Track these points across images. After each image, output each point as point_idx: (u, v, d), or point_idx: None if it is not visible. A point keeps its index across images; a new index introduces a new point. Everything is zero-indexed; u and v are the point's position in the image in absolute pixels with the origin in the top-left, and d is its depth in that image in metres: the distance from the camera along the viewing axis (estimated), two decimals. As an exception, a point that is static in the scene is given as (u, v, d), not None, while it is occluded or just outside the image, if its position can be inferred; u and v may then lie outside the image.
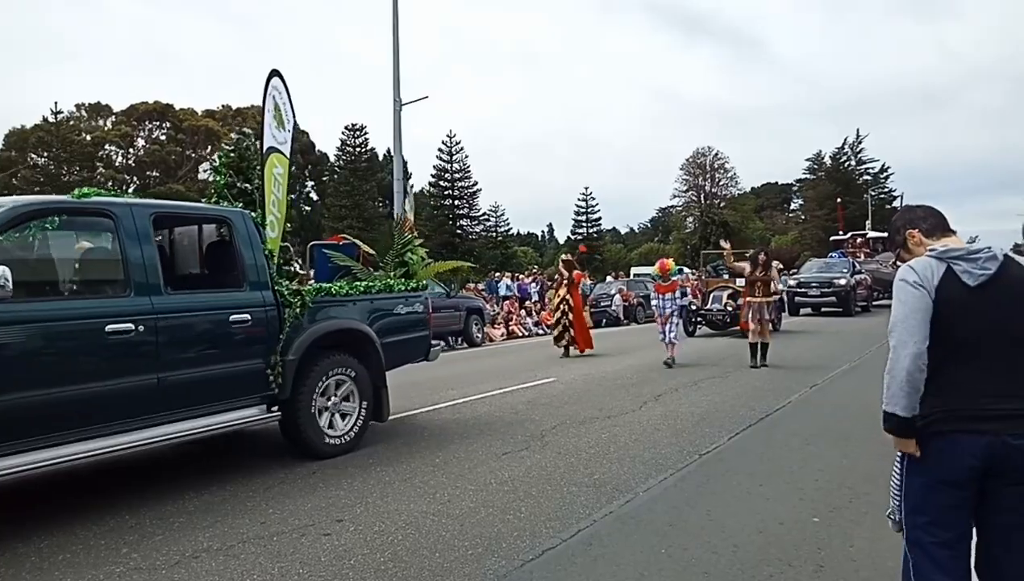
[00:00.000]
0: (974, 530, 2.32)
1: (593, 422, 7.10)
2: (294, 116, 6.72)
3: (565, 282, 13.71)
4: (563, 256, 14.89)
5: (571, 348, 13.33)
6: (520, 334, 20.05)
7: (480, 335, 17.83)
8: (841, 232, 37.51)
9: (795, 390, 8.66)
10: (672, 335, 11.39)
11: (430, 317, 7.37)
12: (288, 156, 6.61)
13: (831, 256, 27.60)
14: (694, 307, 16.88)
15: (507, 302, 22.05)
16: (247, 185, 6.22)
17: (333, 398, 5.98)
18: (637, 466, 5.46)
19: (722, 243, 12.98)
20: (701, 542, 3.90)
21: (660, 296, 11.79)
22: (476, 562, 3.70)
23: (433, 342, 7.46)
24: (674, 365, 11.06)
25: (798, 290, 22.58)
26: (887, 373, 2.30)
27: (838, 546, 3.84)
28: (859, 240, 32.74)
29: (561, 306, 13.58)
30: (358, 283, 6.53)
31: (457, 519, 4.36)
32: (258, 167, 6.21)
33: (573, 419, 7.25)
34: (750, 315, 10.94)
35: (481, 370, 11.68)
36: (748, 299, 11.09)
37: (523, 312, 21.85)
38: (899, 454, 2.43)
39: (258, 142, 6.30)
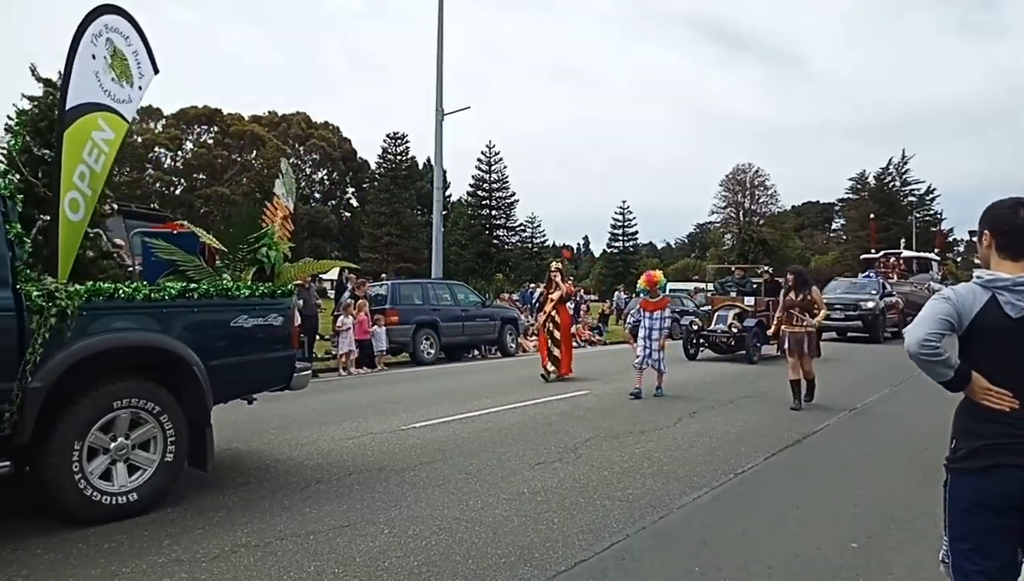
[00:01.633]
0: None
1: (627, 436, 7.07)
2: (155, 69, 5.38)
3: (553, 295, 11.89)
4: (555, 264, 12.84)
5: (551, 372, 11.59)
6: (554, 346, 19.99)
7: (514, 345, 17.86)
8: (874, 250, 34.39)
9: (834, 413, 8.51)
10: (660, 362, 9.77)
11: (295, 331, 5.79)
12: (128, 120, 5.34)
13: (865, 276, 25.33)
14: (696, 327, 15.46)
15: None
16: (46, 151, 4.81)
17: (118, 440, 4.48)
18: (671, 483, 5.43)
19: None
20: (735, 563, 3.87)
21: (647, 314, 9.95)
22: (509, 571, 3.72)
23: (300, 364, 5.82)
24: (663, 395, 9.60)
25: None
26: None
27: (876, 573, 3.77)
28: (892, 259, 29.72)
29: (547, 324, 11.82)
30: (170, 285, 4.83)
31: (490, 527, 4.38)
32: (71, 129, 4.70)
33: (607, 433, 7.23)
34: (787, 348, 9.12)
35: (515, 380, 11.70)
36: (785, 329, 9.22)
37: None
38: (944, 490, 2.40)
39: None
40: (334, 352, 14.30)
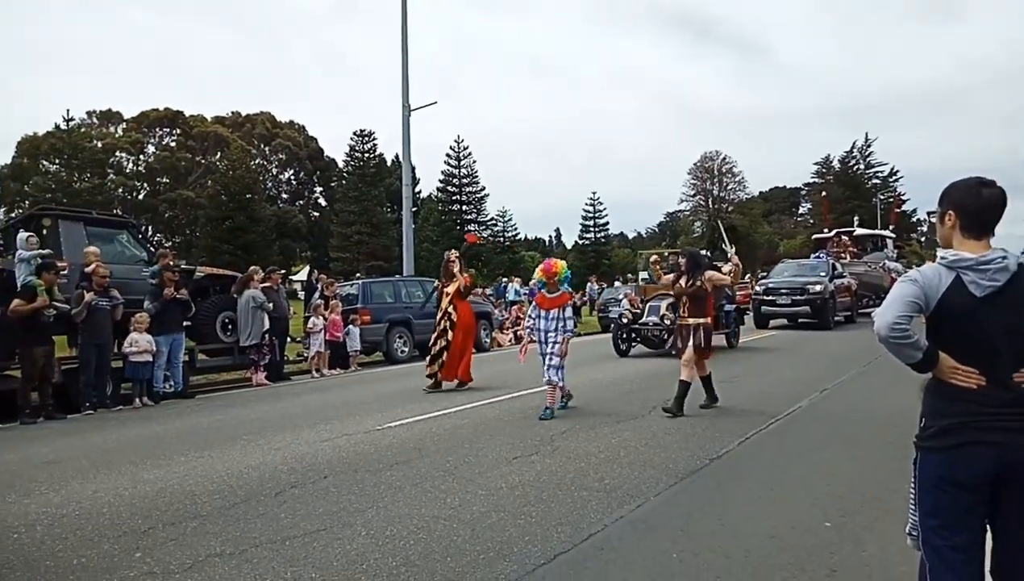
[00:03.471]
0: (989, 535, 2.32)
1: (603, 427, 7.09)
2: None
3: (449, 289, 10.23)
4: (452, 253, 10.72)
5: (434, 377, 10.05)
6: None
7: (488, 340, 17.85)
8: (827, 229, 32.28)
9: (805, 395, 8.63)
10: (557, 373, 7.75)
11: None
12: None
13: (815, 256, 23.99)
14: (624, 321, 13.82)
15: (515, 307, 22.07)
16: None
17: None
18: (648, 471, 5.45)
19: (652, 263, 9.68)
20: (713, 547, 3.90)
21: (543, 314, 7.98)
22: (488, 567, 3.70)
23: None
24: (554, 416, 7.60)
25: (765, 298, 19.31)
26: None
27: (850, 551, 3.83)
28: (845, 238, 27.87)
29: (443, 322, 10.13)
30: None
31: (468, 524, 4.36)
32: None
33: (583, 424, 7.25)
34: (679, 342, 7.94)
35: (490, 375, 11.67)
36: (679, 322, 8.03)
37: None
38: (914, 467, 2.44)
39: None
40: (306, 354, 14.17)
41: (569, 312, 8.15)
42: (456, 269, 10.29)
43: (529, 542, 4.03)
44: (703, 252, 11.61)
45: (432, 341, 10.28)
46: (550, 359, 7.83)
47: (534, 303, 8.33)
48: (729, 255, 8.48)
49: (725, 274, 8.34)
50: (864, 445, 6.17)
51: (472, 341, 10.65)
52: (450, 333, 10.00)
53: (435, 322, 10.39)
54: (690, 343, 7.67)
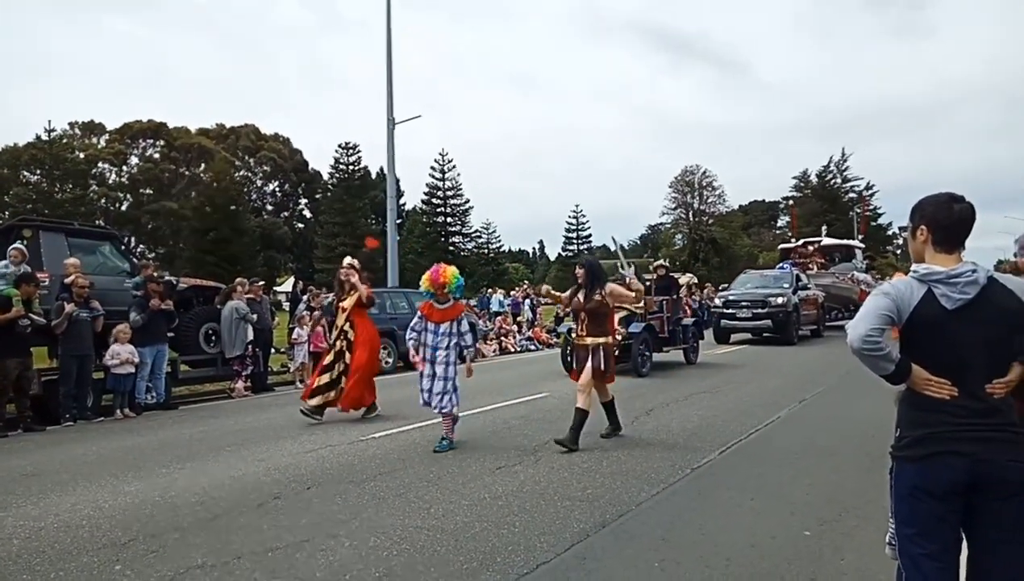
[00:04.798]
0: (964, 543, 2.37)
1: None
2: None
3: (345, 303, 8.81)
4: (347, 260, 9.34)
5: (318, 408, 8.43)
6: (512, 350, 20.06)
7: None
8: (794, 239, 30.88)
9: (784, 405, 8.72)
10: (448, 399, 6.83)
11: None
12: None
13: (780, 267, 22.85)
14: (573, 336, 12.42)
15: (499, 318, 22.07)
16: None
17: None
18: (630, 481, 5.49)
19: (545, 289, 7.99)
20: (694, 556, 3.93)
21: (429, 327, 6.98)
22: (471, 577, 3.71)
23: None
24: (451, 447, 6.77)
25: (725, 311, 18.68)
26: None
27: (829, 559, 3.88)
28: (811, 248, 26.47)
29: (339, 341, 8.71)
30: None
31: (452, 534, 4.37)
32: None
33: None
34: (575, 364, 7.12)
35: (474, 385, 11.61)
36: (576, 341, 7.14)
37: (515, 327, 21.86)
38: (890, 476, 2.48)
39: None
40: (290, 365, 14.09)
41: (466, 326, 7.17)
42: (355, 279, 8.81)
43: (512, 552, 4.05)
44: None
45: (326, 364, 8.71)
46: (441, 383, 6.82)
47: (418, 315, 7.15)
48: (627, 278, 7.61)
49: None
50: (842, 455, 6.25)
51: (377, 362, 9.03)
52: (347, 355, 8.59)
53: (330, 342, 9.04)
54: (587, 366, 6.82)
